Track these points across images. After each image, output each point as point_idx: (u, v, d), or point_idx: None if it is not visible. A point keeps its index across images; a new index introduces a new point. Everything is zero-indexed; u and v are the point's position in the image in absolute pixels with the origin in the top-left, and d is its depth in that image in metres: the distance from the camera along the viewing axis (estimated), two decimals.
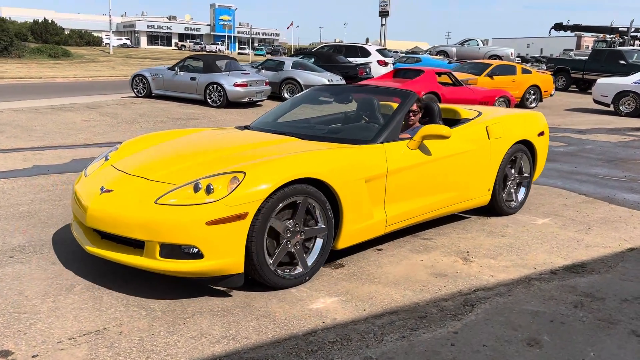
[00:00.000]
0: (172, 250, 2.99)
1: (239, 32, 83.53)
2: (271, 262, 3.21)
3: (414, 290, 3.39)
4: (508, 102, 13.26)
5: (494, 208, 4.97)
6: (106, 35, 52.47)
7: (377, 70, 19.04)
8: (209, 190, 3.02)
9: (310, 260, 3.44)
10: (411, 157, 3.97)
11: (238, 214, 2.96)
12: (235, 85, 13.12)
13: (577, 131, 11.64)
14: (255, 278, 3.20)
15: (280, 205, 3.15)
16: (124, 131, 9.36)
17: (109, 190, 3.32)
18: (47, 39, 47.40)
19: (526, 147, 5.12)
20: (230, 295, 3.23)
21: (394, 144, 3.94)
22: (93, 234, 3.33)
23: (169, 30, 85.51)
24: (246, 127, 4.64)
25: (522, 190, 5.27)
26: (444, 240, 4.37)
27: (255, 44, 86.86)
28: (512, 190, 5.12)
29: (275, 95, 15.34)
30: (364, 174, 3.60)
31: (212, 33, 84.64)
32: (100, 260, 3.65)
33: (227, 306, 3.09)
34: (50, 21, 51.91)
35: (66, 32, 53.21)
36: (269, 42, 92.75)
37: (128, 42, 74.70)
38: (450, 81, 12.91)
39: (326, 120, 4.99)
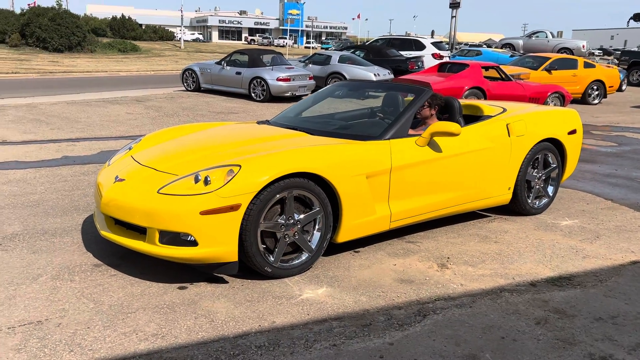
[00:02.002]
0: (170, 237, 3.20)
1: (306, 26, 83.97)
2: (272, 259, 3.37)
3: (370, 297, 3.27)
4: (562, 99, 12.50)
5: (516, 208, 4.84)
6: (180, 30, 54.36)
7: (432, 64, 18.54)
8: (206, 181, 3.20)
9: (287, 264, 3.49)
10: (419, 153, 3.95)
11: (231, 205, 3.11)
12: (278, 79, 13.21)
13: (636, 130, 10.80)
14: (250, 267, 3.37)
15: (277, 197, 3.28)
16: (161, 124, 9.67)
17: (121, 180, 3.57)
18: (123, 34, 49.78)
19: (554, 145, 4.92)
20: (186, 288, 3.26)
21: (401, 141, 3.94)
22: (109, 220, 3.58)
23: (239, 25, 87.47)
24: (267, 122, 4.75)
25: (549, 190, 5.06)
26: (429, 244, 4.19)
27: (323, 38, 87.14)
28: (538, 190, 4.93)
29: None
30: (365, 169, 3.64)
31: (280, 27, 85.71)
32: (76, 252, 3.80)
33: (174, 303, 3.11)
34: (127, 17, 54.36)
35: (143, 27, 55.64)
36: (336, 36, 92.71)
37: (200, 37, 77.16)
38: (498, 76, 12.34)
39: (345, 116, 5.00)
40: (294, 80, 13.47)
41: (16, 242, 3.95)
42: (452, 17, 35.22)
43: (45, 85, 16.07)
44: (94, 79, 19.41)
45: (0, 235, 4.07)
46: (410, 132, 4.18)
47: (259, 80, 13.41)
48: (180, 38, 52.74)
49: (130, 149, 4.26)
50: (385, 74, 15.53)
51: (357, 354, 2.64)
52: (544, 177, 4.94)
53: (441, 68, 13.03)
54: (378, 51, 18.29)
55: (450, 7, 34.90)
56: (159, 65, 26.44)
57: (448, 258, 3.92)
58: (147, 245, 3.27)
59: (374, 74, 15.09)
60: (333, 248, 3.96)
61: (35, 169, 6.14)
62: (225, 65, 14.30)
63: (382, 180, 3.76)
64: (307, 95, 14.38)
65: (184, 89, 15.24)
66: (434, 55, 19.63)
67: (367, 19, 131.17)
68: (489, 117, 4.73)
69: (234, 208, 3.14)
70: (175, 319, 2.93)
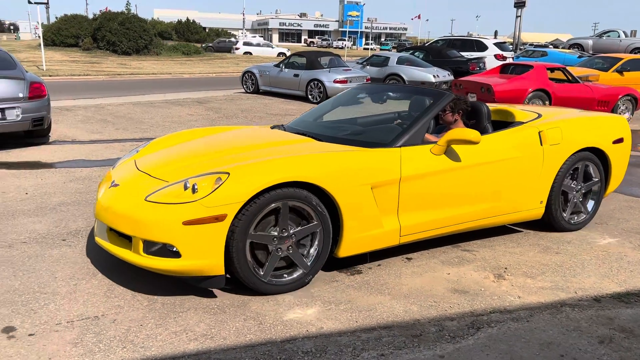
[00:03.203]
0: (153, 247, 3.05)
1: (366, 27, 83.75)
2: (262, 273, 3.16)
3: (421, 306, 3.18)
4: (635, 102, 11.79)
5: (550, 223, 4.44)
6: (242, 33, 55.62)
7: (494, 65, 17.99)
8: (194, 189, 3.03)
9: (279, 279, 3.27)
10: (435, 163, 3.66)
11: (216, 215, 2.93)
12: (335, 81, 13.20)
13: None
14: (241, 281, 3.18)
15: (270, 207, 3.08)
16: (219, 125, 9.88)
17: (116, 185, 3.48)
18: (188, 37, 51.46)
19: (596, 155, 4.52)
20: (236, 290, 3.28)
21: (414, 148, 3.67)
22: (103, 226, 3.43)
23: (299, 27, 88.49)
24: (281, 126, 4.55)
25: (590, 204, 4.63)
26: (485, 253, 4.04)
27: (382, 39, 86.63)
28: (576, 203, 4.54)
29: None
30: (370, 179, 3.39)
31: (340, 29, 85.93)
32: None
33: (224, 304, 3.14)
34: (192, 21, 56.14)
35: (206, 30, 57.29)
36: (396, 37, 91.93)
37: (261, 40, 78.55)
38: (564, 77, 11.80)
39: (364, 121, 4.73)
40: (350, 82, 13.42)
41: (79, 238, 4.12)
42: (517, 16, 34.07)
43: (113, 87, 16.80)
44: (158, 80, 20.13)
45: (65, 231, 4.25)
46: (433, 138, 3.93)
47: (316, 82, 13.46)
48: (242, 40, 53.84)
49: (137, 152, 4.17)
50: (444, 76, 15.22)
51: None
52: (583, 191, 4.53)
53: (504, 69, 12.60)
54: (438, 52, 17.95)
55: (515, 6, 33.75)
56: (220, 68, 27.08)
57: (505, 268, 3.76)
58: (133, 255, 3.12)
59: (433, 76, 14.83)
60: (385, 254, 3.90)
61: (100, 168, 6.40)
62: (283, 67, 14.45)
63: (390, 191, 3.50)
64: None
65: (244, 91, 15.52)
66: (497, 57, 19.05)
67: (427, 20, 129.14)
68: (521, 123, 4.36)
69: (219, 219, 2.94)
70: (224, 320, 2.96)
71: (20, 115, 7.18)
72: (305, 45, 78.89)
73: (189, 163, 3.54)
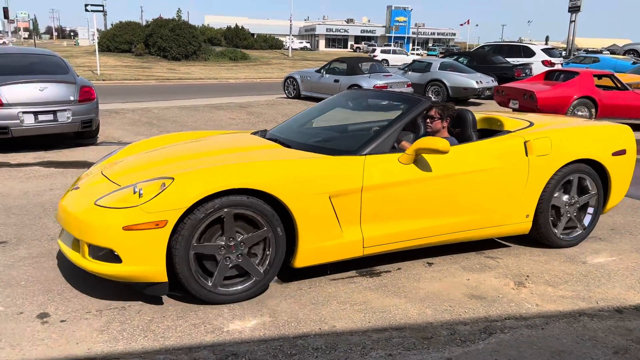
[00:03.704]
0: (97, 252, 3.02)
1: (413, 33, 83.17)
2: (210, 284, 3.12)
3: (436, 310, 3.21)
4: None
5: (540, 239, 4.20)
6: (289, 39, 56.31)
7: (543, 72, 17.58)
8: (140, 194, 2.98)
9: (232, 288, 3.21)
10: (403, 172, 3.50)
11: (156, 221, 2.88)
12: (375, 87, 13.24)
13: None
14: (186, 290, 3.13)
15: (217, 215, 3.01)
16: (258, 129, 10.10)
17: (77, 188, 3.49)
18: (236, 43, 52.52)
19: (594, 168, 4.24)
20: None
21: (381, 157, 3.51)
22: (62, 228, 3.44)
23: (345, 33, 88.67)
24: (264, 131, 4.49)
25: (587, 219, 4.33)
26: (509, 260, 4.01)
27: (429, 44, 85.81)
28: (570, 219, 4.25)
29: None
30: (328, 188, 3.26)
31: (386, 35, 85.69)
32: None
33: (242, 301, 3.26)
34: (240, 27, 57.29)
35: (254, 36, 58.35)
36: (444, 42, 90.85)
37: (308, 45, 79.29)
38: (613, 84, 11.43)
39: (343, 129, 4.55)
40: (391, 87, 13.43)
41: None
42: (571, 21, 33.07)
43: (161, 91, 17.40)
44: (204, 85, 20.70)
45: None
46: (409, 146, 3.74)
47: (355, 87, 13.53)
48: (288, 46, 54.53)
49: (114, 153, 4.17)
50: (488, 82, 14.99)
51: None
52: (578, 205, 4.25)
53: (549, 76, 12.32)
54: (482, 58, 17.69)
55: (569, 11, 32.79)
56: (265, 73, 27.56)
57: (527, 276, 3.73)
58: (80, 258, 3.09)
59: (476, 82, 14.63)
60: (406, 258, 3.94)
61: None
62: (324, 73, 14.61)
63: (351, 201, 3.36)
64: None
65: (285, 96, 15.77)
66: (545, 63, 18.60)
67: (477, 25, 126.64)
68: (507, 132, 4.17)
69: (159, 225, 2.88)
70: (242, 315, 3.08)
71: (71, 118, 7.59)
72: (352, 50, 79.07)
73: (149, 169, 3.48)
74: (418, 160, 3.57)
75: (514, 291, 3.49)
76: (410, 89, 13.97)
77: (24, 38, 72.28)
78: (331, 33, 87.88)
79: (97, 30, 24.89)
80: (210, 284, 3.12)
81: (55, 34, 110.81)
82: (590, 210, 4.34)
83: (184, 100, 14.85)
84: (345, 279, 3.60)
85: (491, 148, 3.87)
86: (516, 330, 2.97)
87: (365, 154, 3.50)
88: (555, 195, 4.13)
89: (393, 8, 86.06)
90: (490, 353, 2.74)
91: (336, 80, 14.14)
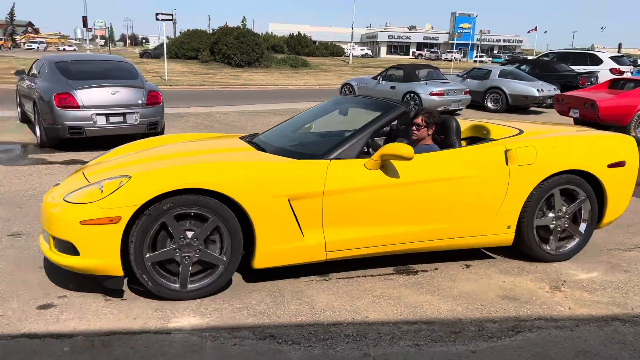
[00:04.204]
0: (60, 244, 3.17)
1: (477, 40, 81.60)
2: (177, 285, 3.24)
3: (467, 308, 3.33)
4: None
5: (525, 251, 4.06)
6: (350, 46, 56.75)
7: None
8: (101, 191, 3.13)
9: (200, 283, 3.31)
10: (368, 178, 3.49)
11: (110, 217, 3.00)
12: (432, 94, 13.27)
13: None
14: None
15: (177, 213, 3.13)
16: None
17: (57, 184, 3.70)
18: (298, 50, 53.45)
19: (586, 180, 4.04)
20: (297, 278, 3.63)
21: (346, 162, 3.51)
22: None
23: (407, 40, 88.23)
24: (254, 134, 4.57)
25: (582, 228, 4.15)
26: (549, 266, 4.05)
27: (495, 51, 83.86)
28: (562, 231, 4.09)
29: (478, 105, 14.99)
30: (287, 190, 3.30)
31: (450, 41, 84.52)
32: None
33: (285, 289, 3.50)
34: (302, 34, 58.23)
35: (316, 44, 59.15)
36: (510, 49, 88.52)
37: (369, 52, 79.41)
38: None
39: (323, 133, 4.49)
40: (447, 94, 13.42)
41: None
42: None
43: (224, 97, 18.11)
44: (265, 91, 21.32)
45: None
46: None
47: (412, 94, 13.61)
48: (349, 53, 54.91)
49: (106, 154, 4.31)
50: (550, 90, 14.66)
51: (436, 355, 2.76)
52: (568, 216, 4.06)
53: (613, 84, 11.91)
54: (545, 66, 17.28)
55: None
56: (324, 80, 27.99)
57: (564, 281, 3.77)
58: (48, 250, 3.26)
59: (537, 90, 14.36)
60: (444, 259, 4.06)
61: None
62: (380, 80, 14.77)
63: (312, 204, 3.36)
64: (461, 110, 14.21)
65: None
66: (613, 71, 17.92)
67: (545, 32, 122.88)
68: (490, 140, 4.07)
69: (113, 220, 3.00)
70: (282, 302, 3.33)
71: (139, 120, 8.17)
72: (413, 57, 78.50)
73: (122, 167, 3.58)
74: (386, 166, 3.54)
75: (548, 294, 3.55)
76: (467, 96, 13.88)
77: (100, 45, 76.60)
78: (393, 40, 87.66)
79: (167, 37, 26.15)
80: (177, 286, 3.25)
81: (128, 41, 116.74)
82: (583, 225, 4.15)
83: (245, 105, 15.41)
84: (382, 276, 3.78)
85: (467, 156, 3.80)
86: (544, 330, 3.05)
87: (332, 159, 3.51)
88: (542, 206, 3.98)
89: (457, 14, 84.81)
90: (515, 349, 2.84)
91: (392, 87, 14.26)
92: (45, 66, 8.60)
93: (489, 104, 14.92)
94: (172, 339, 2.85)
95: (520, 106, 14.72)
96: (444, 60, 66.27)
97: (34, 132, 8.62)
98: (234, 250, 3.31)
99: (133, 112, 8.12)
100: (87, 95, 7.82)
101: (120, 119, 8.01)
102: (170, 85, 21.06)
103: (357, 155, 3.58)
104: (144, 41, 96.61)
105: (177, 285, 3.26)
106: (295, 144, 4.08)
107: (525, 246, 4.01)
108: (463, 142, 4.35)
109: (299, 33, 58.65)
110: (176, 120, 11.46)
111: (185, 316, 3.11)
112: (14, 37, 79.78)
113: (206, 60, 32.84)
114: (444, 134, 4.15)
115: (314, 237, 3.44)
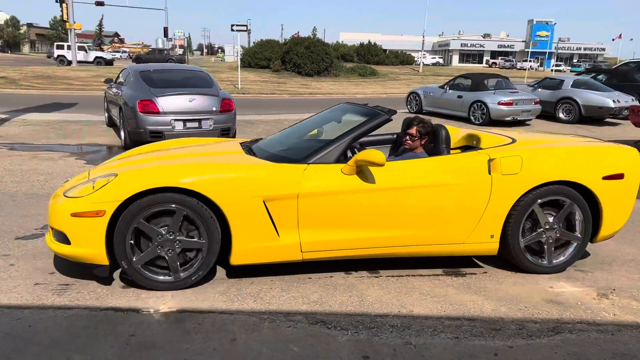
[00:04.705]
0: (57, 234, 3.52)
1: (555, 48, 78.59)
2: (134, 259, 3.47)
3: (511, 309, 3.48)
4: None
5: (512, 261, 4.03)
6: (422, 54, 56.42)
7: None
8: (93, 187, 3.47)
9: (189, 270, 3.56)
10: (344, 182, 3.62)
11: (96, 210, 3.33)
12: (500, 103, 13.14)
13: None
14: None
15: (154, 210, 3.40)
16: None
17: (67, 180, 4.12)
18: (368, 59, 53.72)
19: (579, 192, 3.97)
20: (350, 274, 3.91)
21: (323, 167, 3.66)
22: None
23: (481, 48, 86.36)
24: (254, 140, 4.76)
25: (569, 249, 4.07)
26: (600, 274, 4.10)
27: (575, 60, 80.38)
28: (550, 244, 4.02)
29: (549, 115, 14.65)
30: (262, 192, 3.49)
31: (525, 50, 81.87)
32: None
33: (337, 283, 3.79)
34: (373, 43, 58.47)
35: (386, 52, 59.22)
36: (591, 58, 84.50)
37: (440, 61, 78.46)
38: None
39: (315, 140, 4.48)
40: (516, 104, 13.23)
41: None
42: None
43: (293, 105, 18.71)
44: (333, 99, 21.75)
45: None
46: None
47: (479, 103, 13.53)
48: (419, 62, 54.61)
49: (117, 156, 4.63)
50: (627, 101, 14.09)
51: (474, 348, 2.96)
52: (556, 227, 3.99)
53: None
54: (623, 75, 16.58)
55: None
56: (392, 88, 28.12)
57: (613, 290, 3.81)
58: (48, 240, 3.62)
59: (613, 101, 13.84)
60: (493, 264, 4.20)
61: None
62: (447, 88, 14.77)
63: (287, 206, 3.53)
64: (530, 120, 13.95)
65: (407, 111, 16.15)
66: None
67: (631, 39, 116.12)
68: (477, 149, 4.09)
69: (99, 214, 3.31)
70: (334, 294, 3.62)
71: (212, 125, 8.76)
72: (487, 66, 76.73)
73: (116, 168, 3.89)
74: (363, 172, 3.65)
75: (594, 301, 3.62)
76: (538, 107, 13.62)
77: (179, 54, 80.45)
78: (465, 48, 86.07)
79: (242, 47, 27.27)
80: (162, 278, 3.54)
81: (205, 50, 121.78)
82: (573, 239, 4.07)
83: (313, 113, 15.86)
84: (430, 276, 3.98)
85: (448, 164, 3.84)
86: (584, 333, 3.16)
87: (310, 163, 3.67)
88: (529, 215, 3.94)
89: (534, 22, 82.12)
90: (552, 347, 2.98)
91: (459, 96, 14.24)
92: (131, 75, 9.40)
93: (561, 115, 14.54)
94: (235, 319, 3.22)
95: (594, 117, 14.25)
96: (519, 69, 64.38)
97: (119, 136, 9.41)
98: (212, 240, 3.52)
99: (208, 119, 8.71)
100: (167, 102, 8.49)
101: (196, 124, 8.62)
102: (243, 94, 21.97)
103: (335, 160, 3.73)
104: (219, 50, 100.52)
105: (172, 278, 3.53)
106: (285, 149, 4.17)
107: (512, 257, 4.00)
108: (454, 151, 4.45)
109: (369, 42, 58.91)
110: (247, 127, 12.07)
111: (247, 300, 3.47)
112: (102, 46, 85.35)
113: (277, 70, 33.83)
114: (434, 142, 4.27)
115: (289, 237, 3.62)
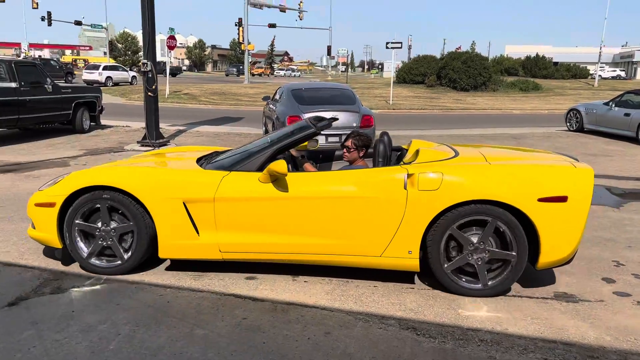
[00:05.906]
0: (30, 221, 4.33)
1: None
2: (86, 252, 4.13)
3: (617, 339, 3.31)
4: None
5: (437, 281, 3.93)
6: (599, 66, 51.58)
7: None
8: (55, 182, 4.30)
9: (127, 254, 4.10)
10: (258, 190, 3.89)
11: (49, 202, 4.08)
12: None
13: None
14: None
15: (98, 205, 4.03)
16: None
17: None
18: (534, 72, 50.85)
19: (512, 214, 3.70)
20: (445, 291, 4.03)
21: (242, 174, 3.99)
22: None
23: None
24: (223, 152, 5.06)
25: (507, 269, 3.82)
26: None
27: None
28: (481, 265, 3.83)
29: None
30: (182, 194, 3.92)
31: None
32: None
33: (437, 295, 3.92)
34: (541, 56, 55.09)
35: (556, 66, 55.30)
36: None
37: (622, 74, 70.91)
38: None
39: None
40: None
41: None
42: None
43: (441, 120, 18.62)
44: (486, 116, 21.12)
45: None
46: (311, 168, 4.50)
47: None
48: (595, 75, 49.95)
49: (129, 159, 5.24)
50: None
51: None
52: (487, 255, 3.80)
53: None
54: None
55: None
56: (555, 104, 26.29)
57: None
58: (29, 227, 4.35)
59: None
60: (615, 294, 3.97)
61: None
62: (613, 106, 13.56)
63: (205, 208, 3.90)
64: None
65: (566, 129, 15.12)
66: None
67: None
68: (406, 163, 3.99)
69: (51, 205, 4.05)
70: (431, 304, 3.76)
71: None
72: None
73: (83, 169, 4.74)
74: (278, 181, 3.88)
75: None
76: None
77: (342, 71, 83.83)
78: None
79: (402, 62, 27.77)
80: (85, 255, 4.14)
81: (366, 67, 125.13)
82: (506, 262, 3.83)
83: (460, 129, 15.68)
84: (539, 299, 3.91)
85: (363, 177, 3.87)
86: None
87: (233, 171, 4.04)
88: (450, 233, 3.79)
89: None
90: None
91: (627, 114, 12.99)
92: (284, 93, 10.34)
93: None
94: (333, 315, 3.56)
95: None
96: None
97: None
98: (136, 248, 4.07)
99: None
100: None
101: (336, 139, 9.19)
102: (393, 109, 22.38)
103: (258, 169, 4.03)
104: (380, 66, 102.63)
105: (86, 255, 4.13)
106: (226, 159, 4.38)
107: (436, 275, 3.90)
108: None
109: (537, 54, 55.70)
110: None
111: (348, 301, 3.79)
112: (272, 65, 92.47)
113: (432, 85, 33.72)
114: (372, 156, 4.52)
115: (208, 237, 3.98)
